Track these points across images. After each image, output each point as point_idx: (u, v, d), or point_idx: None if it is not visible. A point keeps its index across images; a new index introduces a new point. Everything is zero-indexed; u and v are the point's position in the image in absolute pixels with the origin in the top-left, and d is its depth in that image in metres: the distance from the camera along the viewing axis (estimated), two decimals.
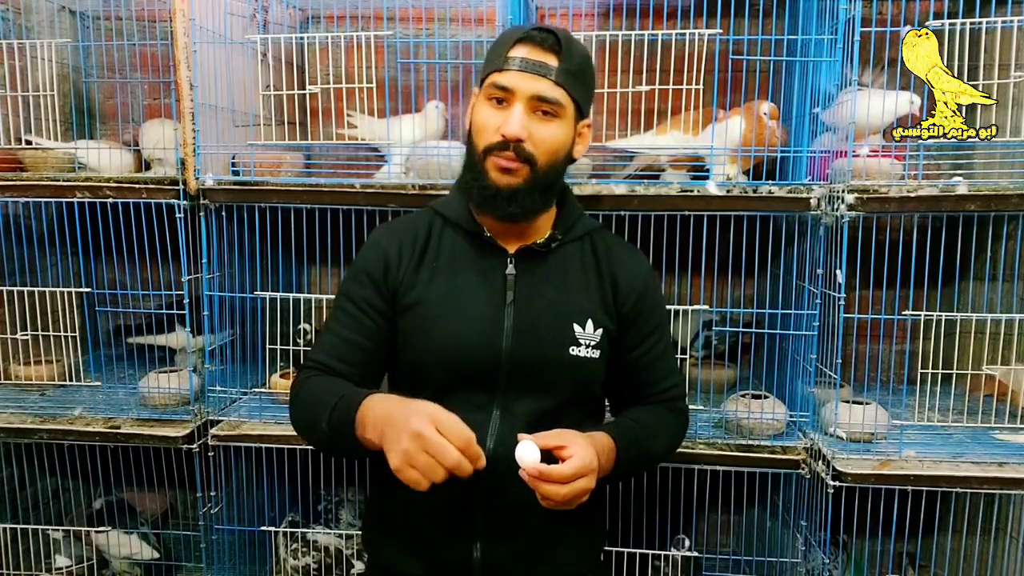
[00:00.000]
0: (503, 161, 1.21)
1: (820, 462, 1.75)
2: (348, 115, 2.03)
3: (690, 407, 1.47)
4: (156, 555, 2.23)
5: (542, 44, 1.21)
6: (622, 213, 1.82)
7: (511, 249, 1.31)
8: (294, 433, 1.85)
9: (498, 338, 1.26)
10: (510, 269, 1.29)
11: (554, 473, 1.10)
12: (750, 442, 1.84)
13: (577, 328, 1.28)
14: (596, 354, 1.29)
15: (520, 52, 1.21)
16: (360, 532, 2.21)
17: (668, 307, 1.61)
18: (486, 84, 1.24)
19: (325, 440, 1.21)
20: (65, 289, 2.05)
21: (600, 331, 1.30)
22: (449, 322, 1.26)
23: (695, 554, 1.99)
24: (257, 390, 2.08)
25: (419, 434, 1.00)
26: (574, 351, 1.27)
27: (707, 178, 1.81)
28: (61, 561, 2.20)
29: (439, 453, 1.00)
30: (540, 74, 1.20)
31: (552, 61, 1.21)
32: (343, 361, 1.29)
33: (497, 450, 1.22)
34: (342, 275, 2.43)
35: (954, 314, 1.83)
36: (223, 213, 1.93)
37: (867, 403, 1.84)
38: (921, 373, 1.85)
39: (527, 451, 1.11)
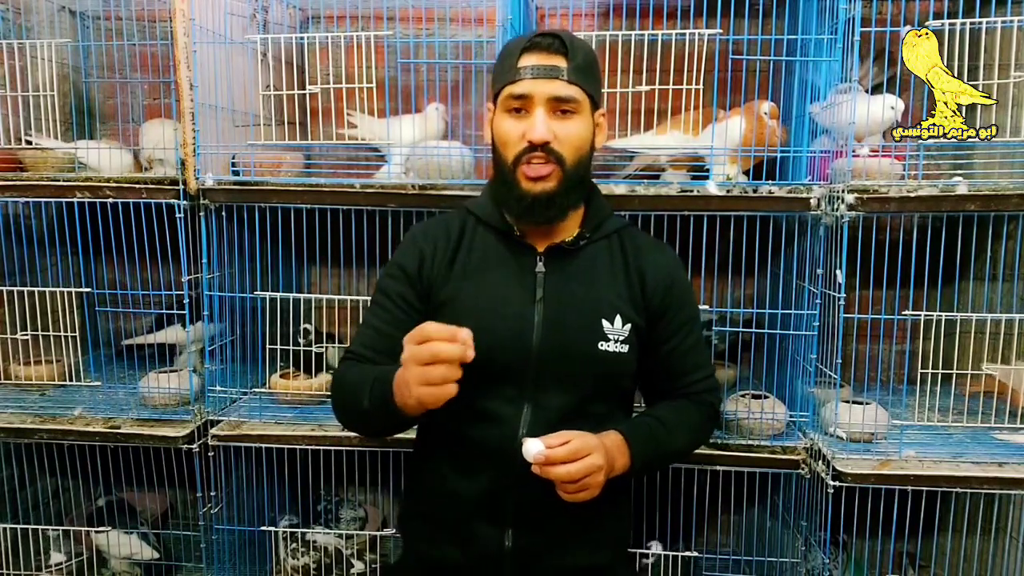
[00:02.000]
0: (533, 169, 1.25)
1: (820, 462, 1.75)
2: (348, 115, 2.03)
3: None
4: (156, 555, 2.23)
5: (548, 48, 1.26)
6: (622, 213, 1.81)
7: (540, 247, 1.34)
8: (294, 433, 1.89)
9: (528, 334, 1.29)
10: (539, 267, 1.33)
11: (557, 454, 1.15)
12: (750, 442, 1.84)
13: (605, 323, 1.31)
14: (625, 348, 1.32)
15: (529, 60, 1.25)
16: (367, 530, 2.23)
17: None
18: (502, 97, 1.28)
19: (367, 417, 1.26)
20: (65, 289, 2.04)
21: (628, 326, 1.32)
22: (480, 318, 1.28)
23: (685, 554, 1.97)
24: (257, 390, 2.07)
25: (407, 360, 1.09)
26: (602, 346, 1.30)
27: (707, 178, 1.81)
28: (56, 557, 2.20)
29: (434, 355, 1.06)
30: (552, 76, 1.24)
31: (561, 63, 1.25)
32: (379, 352, 1.33)
33: None
34: (342, 275, 2.44)
35: (954, 314, 1.82)
36: (223, 213, 1.93)
37: (867, 403, 1.84)
38: (921, 373, 1.84)
39: (532, 446, 1.17)
